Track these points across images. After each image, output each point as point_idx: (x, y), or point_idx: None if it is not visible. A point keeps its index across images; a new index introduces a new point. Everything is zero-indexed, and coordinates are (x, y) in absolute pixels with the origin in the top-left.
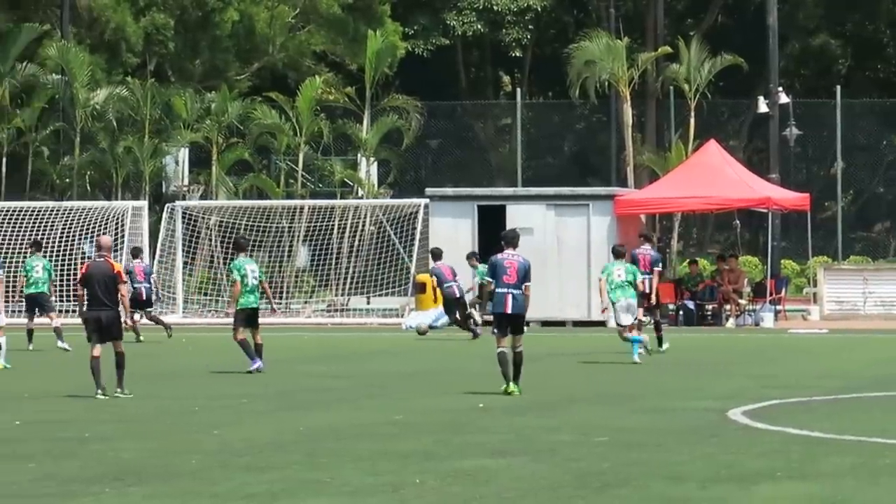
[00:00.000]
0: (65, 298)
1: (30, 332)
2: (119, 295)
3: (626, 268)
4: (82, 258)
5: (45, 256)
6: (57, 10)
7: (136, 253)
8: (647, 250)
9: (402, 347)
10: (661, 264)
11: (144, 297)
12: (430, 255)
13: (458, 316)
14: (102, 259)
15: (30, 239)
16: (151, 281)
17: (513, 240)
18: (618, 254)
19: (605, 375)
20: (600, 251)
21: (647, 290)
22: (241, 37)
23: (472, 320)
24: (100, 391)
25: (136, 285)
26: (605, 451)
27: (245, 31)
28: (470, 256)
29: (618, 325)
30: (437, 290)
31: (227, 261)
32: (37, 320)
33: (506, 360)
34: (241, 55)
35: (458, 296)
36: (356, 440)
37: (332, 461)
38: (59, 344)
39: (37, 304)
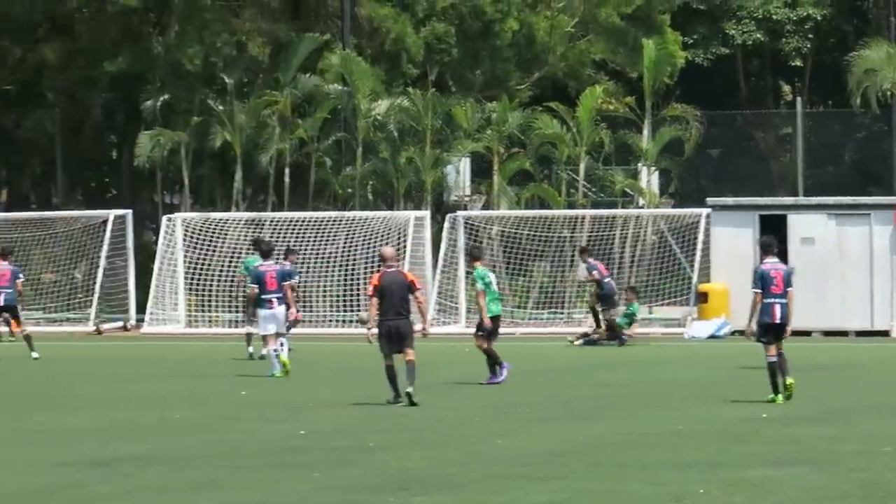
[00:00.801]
0: (343, 308)
1: (248, 336)
2: (417, 303)
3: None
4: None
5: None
6: (337, 21)
7: None
8: None
9: (684, 356)
10: None
11: None
12: (579, 252)
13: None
14: (394, 269)
15: (313, 248)
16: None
17: (771, 247)
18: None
19: (888, 385)
20: (883, 261)
21: None
22: (522, 46)
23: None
24: (399, 398)
25: None
26: (889, 461)
27: (525, 41)
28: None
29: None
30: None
31: (508, 269)
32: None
33: (776, 371)
34: (521, 64)
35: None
36: (637, 449)
37: (613, 471)
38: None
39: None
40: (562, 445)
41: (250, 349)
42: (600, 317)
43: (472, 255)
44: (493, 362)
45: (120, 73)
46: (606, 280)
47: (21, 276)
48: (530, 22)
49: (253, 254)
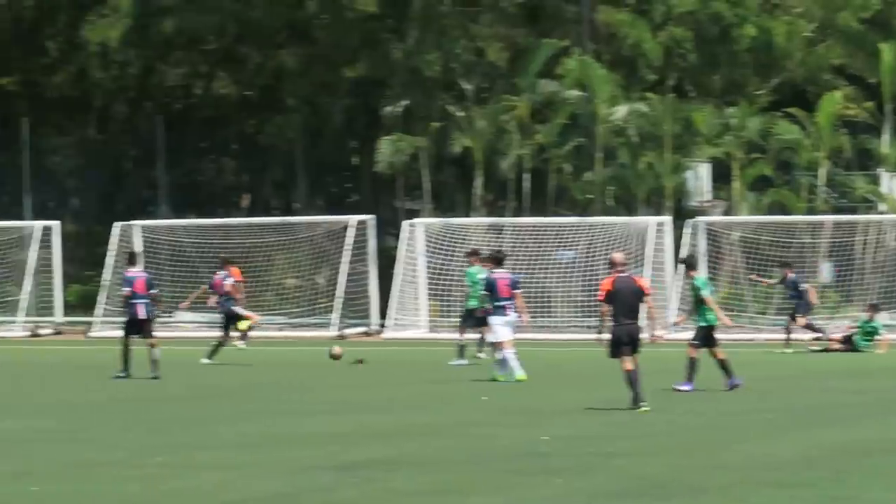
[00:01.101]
0: (583, 313)
1: (461, 348)
2: (647, 308)
3: None
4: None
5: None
6: (576, 26)
7: None
8: None
9: None
10: None
11: None
12: (781, 266)
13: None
14: (626, 275)
15: (547, 254)
16: None
17: None
18: None
19: None
20: None
21: None
22: (760, 51)
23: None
24: (640, 402)
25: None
26: None
27: (763, 46)
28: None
29: None
30: None
31: (749, 275)
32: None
33: None
34: (759, 70)
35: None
36: (881, 456)
37: (860, 478)
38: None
39: (473, 318)
40: (804, 452)
41: (462, 361)
42: (803, 323)
43: (689, 265)
44: (693, 372)
45: (359, 79)
46: (803, 287)
47: (230, 279)
48: (768, 27)
49: (479, 264)
